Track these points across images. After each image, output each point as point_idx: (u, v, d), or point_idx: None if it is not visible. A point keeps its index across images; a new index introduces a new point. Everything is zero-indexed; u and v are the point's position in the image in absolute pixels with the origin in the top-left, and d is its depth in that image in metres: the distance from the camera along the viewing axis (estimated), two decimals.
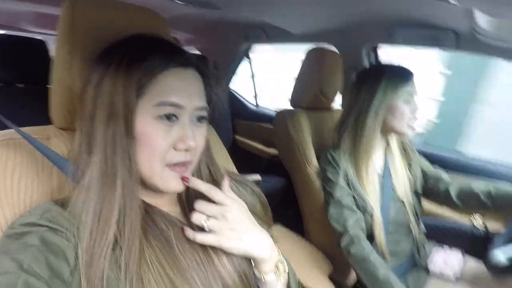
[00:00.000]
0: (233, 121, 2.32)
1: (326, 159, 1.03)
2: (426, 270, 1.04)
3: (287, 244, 1.07)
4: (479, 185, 1.00)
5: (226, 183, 0.51)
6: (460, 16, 0.91)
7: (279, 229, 1.12)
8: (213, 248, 0.49)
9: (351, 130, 0.99)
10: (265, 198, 0.63)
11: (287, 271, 0.55)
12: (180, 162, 0.47)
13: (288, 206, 1.32)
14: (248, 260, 0.52)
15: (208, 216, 0.47)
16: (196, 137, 0.47)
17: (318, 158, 1.19)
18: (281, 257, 0.54)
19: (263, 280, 0.51)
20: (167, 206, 0.53)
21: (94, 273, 0.39)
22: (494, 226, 1.18)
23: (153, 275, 0.43)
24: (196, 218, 0.47)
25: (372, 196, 0.97)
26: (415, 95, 0.96)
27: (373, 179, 0.99)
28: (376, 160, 1.02)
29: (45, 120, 0.57)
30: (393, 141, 1.04)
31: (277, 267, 0.52)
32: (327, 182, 1.02)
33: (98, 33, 0.52)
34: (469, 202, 1.01)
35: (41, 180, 0.52)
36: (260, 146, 2.14)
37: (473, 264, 1.04)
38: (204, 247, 0.49)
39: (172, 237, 0.47)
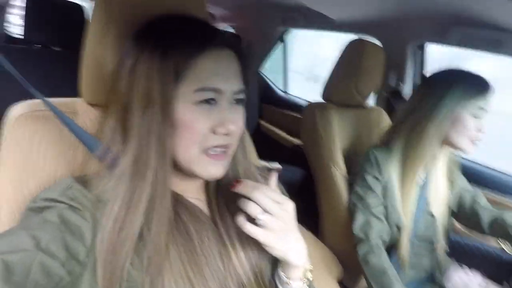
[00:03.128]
0: (260, 105, 2.28)
1: (367, 159, 0.95)
2: None
3: None
4: None
5: (273, 179, 0.49)
6: None
7: None
8: (232, 243, 0.49)
9: (407, 135, 0.91)
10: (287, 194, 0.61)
11: (311, 279, 0.53)
12: (220, 145, 0.45)
13: (305, 200, 1.29)
14: (265, 259, 0.51)
15: (264, 211, 0.43)
16: (236, 120, 0.46)
17: (344, 158, 1.14)
18: (310, 266, 0.53)
19: (290, 286, 0.50)
20: (194, 193, 0.52)
21: (115, 262, 0.39)
22: None
23: (173, 273, 0.42)
24: (252, 208, 0.43)
25: (409, 207, 0.91)
26: (486, 112, 0.85)
27: (415, 189, 0.92)
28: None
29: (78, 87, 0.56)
30: (442, 154, 0.95)
31: (305, 275, 0.51)
32: (361, 185, 0.96)
33: (136, 5, 0.49)
34: (499, 232, 0.94)
35: (66, 156, 0.52)
36: (284, 134, 2.10)
37: None
38: (223, 242, 0.48)
39: (192, 230, 0.46)
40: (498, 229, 0.93)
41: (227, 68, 0.45)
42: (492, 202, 1.05)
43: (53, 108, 0.50)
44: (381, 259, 0.88)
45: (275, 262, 0.52)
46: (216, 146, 0.45)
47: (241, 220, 0.44)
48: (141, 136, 0.42)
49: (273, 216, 0.43)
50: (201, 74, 0.42)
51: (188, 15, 0.47)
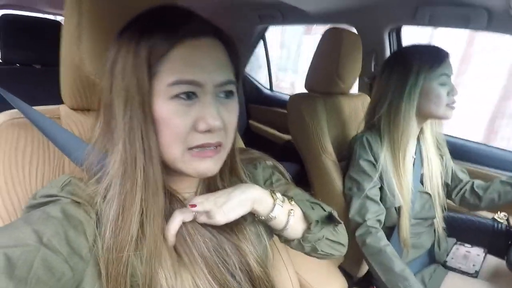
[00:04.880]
0: (247, 106, 2.29)
1: (361, 144, 0.97)
2: (444, 265, 1.01)
3: None
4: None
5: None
6: None
7: None
8: (228, 234, 0.49)
9: (386, 116, 0.94)
10: (281, 168, 0.63)
11: (290, 199, 0.55)
12: (203, 145, 0.42)
13: None
14: (259, 246, 0.53)
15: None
16: (224, 116, 0.42)
17: (333, 145, 1.15)
18: (268, 190, 0.53)
19: (273, 216, 0.51)
20: (192, 189, 0.51)
21: (118, 261, 0.39)
22: None
23: (168, 269, 0.43)
24: (180, 215, 0.46)
25: (405, 187, 0.92)
26: (451, 75, 0.89)
27: (408, 169, 0.94)
28: (410, 148, 0.96)
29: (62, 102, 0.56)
30: (427, 128, 0.98)
31: (273, 198, 0.52)
32: (355, 170, 0.97)
33: (106, 5, 0.49)
34: (491, 192, 0.97)
35: (52, 159, 0.52)
36: (274, 132, 2.11)
37: (494, 261, 1.01)
38: (219, 234, 0.48)
39: (188, 228, 0.46)
40: (490, 190, 0.97)
41: (207, 58, 0.41)
42: (477, 174, 1.08)
43: (27, 113, 0.49)
44: (378, 238, 0.89)
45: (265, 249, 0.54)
46: (202, 146, 0.42)
47: (201, 220, 0.47)
48: (126, 135, 0.41)
49: (201, 202, 0.47)
50: (175, 66, 0.40)
51: (163, 5, 0.44)
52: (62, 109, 0.56)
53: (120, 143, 0.41)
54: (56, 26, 1.43)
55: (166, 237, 0.44)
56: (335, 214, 0.60)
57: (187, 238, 0.46)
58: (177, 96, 0.40)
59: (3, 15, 1.33)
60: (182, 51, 0.40)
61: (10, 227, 0.37)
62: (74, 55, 0.49)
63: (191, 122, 0.41)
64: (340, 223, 0.60)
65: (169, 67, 0.40)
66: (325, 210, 0.59)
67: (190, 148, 0.42)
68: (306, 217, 0.55)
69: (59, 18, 1.57)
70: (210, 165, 0.44)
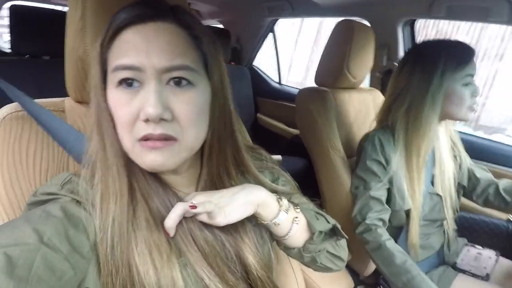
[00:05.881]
0: (255, 99, 2.27)
1: (372, 143, 0.92)
2: (454, 267, 0.98)
3: None
4: None
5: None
6: None
7: None
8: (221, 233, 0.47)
9: (404, 117, 0.88)
10: (287, 176, 0.60)
11: (296, 206, 0.53)
12: (145, 136, 0.38)
13: (308, 188, 1.28)
14: (262, 246, 0.51)
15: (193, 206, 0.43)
16: (173, 106, 0.39)
17: (342, 141, 1.13)
18: (275, 196, 0.51)
19: (276, 222, 0.49)
20: (186, 186, 0.48)
21: (103, 248, 0.39)
22: None
23: (140, 262, 0.40)
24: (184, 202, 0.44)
25: (417, 189, 0.88)
26: (475, 75, 0.83)
27: (422, 173, 0.89)
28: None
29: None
30: (441, 127, 0.92)
31: (280, 205, 0.50)
32: (364, 168, 0.94)
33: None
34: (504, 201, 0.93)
35: (56, 153, 0.52)
36: (282, 126, 2.09)
37: (506, 264, 0.98)
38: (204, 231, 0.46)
39: (184, 225, 0.44)
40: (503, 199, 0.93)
41: (151, 41, 0.38)
42: (495, 174, 1.04)
43: (28, 108, 0.49)
44: (378, 234, 0.87)
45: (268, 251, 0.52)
46: (146, 138, 0.38)
47: (201, 219, 0.44)
48: (95, 122, 0.41)
49: (205, 197, 0.45)
50: (117, 52, 0.39)
51: None
52: (67, 102, 0.56)
53: (95, 131, 0.42)
54: (64, 17, 1.42)
55: (165, 227, 0.42)
56: (339, 227, 0.57)
57: (189, 235, 0.44)
58: (120, 84, 0.39)
59: (12, 5, 1.32)
60: (125, 37, 0.39)
61: (11, 226, 0.37)
62: (78, 47, 0.49)
63: (136, 111, 0.38)
64: (343, 237, 0.58)
65: (112, 54, 0.40)
66: (329, 222, 0.56)
67: (138, 139, 0.39)
68: (310, 226, 0.53)
69: (66, 9, 1.56)
70: (158, 158, 0.39)
